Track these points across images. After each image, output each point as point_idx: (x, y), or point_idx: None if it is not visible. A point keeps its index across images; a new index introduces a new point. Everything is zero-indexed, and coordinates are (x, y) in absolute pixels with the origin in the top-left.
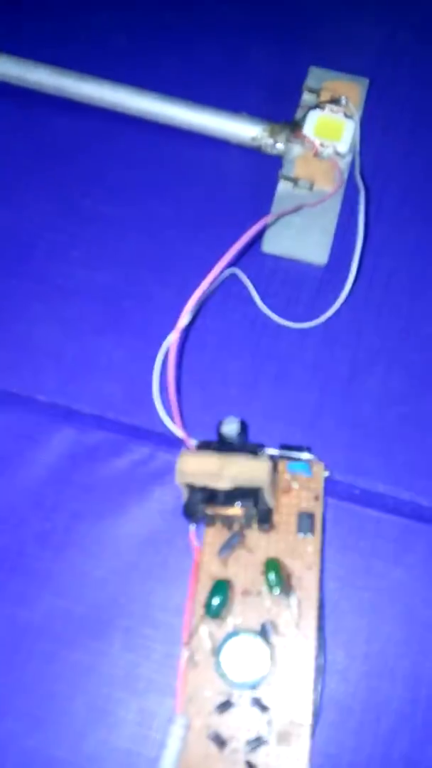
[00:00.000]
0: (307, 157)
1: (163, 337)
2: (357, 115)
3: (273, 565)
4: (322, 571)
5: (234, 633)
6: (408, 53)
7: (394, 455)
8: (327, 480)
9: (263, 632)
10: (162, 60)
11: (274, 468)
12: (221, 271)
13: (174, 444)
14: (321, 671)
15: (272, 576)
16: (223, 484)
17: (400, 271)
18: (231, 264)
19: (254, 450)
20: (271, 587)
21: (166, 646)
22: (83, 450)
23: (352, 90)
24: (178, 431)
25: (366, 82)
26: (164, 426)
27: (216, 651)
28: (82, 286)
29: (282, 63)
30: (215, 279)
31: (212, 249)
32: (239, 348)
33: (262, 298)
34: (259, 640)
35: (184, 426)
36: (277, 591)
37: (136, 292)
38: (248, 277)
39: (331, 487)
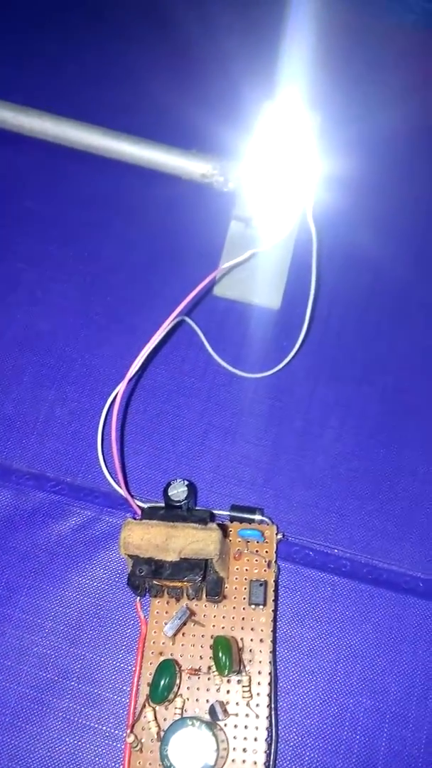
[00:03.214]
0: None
1: (108, 389)
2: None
3: (223, 645)
4: (274, 641)
5: (180, 722)
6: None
7: (348, 515)
8: (280, 542)
9: (212, 714)
10: (110, 92)
11: (225, 535)
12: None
13: (119, 505)
14: (274, 750)
15: (222, 657)
16: (170, 556)
17: (353, 318)
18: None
19: (203, 518)
20: (220, 668)
21: (109, 727)
22: (20, 513)
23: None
24: (122, 491)
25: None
26: (109, 485)
27: (162, 739)
28: (22, 334)
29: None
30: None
31: (161, 294)
32: (189, 399)
33: (214, 345)
34: (205, 731)
35: (130, 485)
36: (226, 672)
37: (79, 341)
38: (199, 322)
39: (284, 550)
